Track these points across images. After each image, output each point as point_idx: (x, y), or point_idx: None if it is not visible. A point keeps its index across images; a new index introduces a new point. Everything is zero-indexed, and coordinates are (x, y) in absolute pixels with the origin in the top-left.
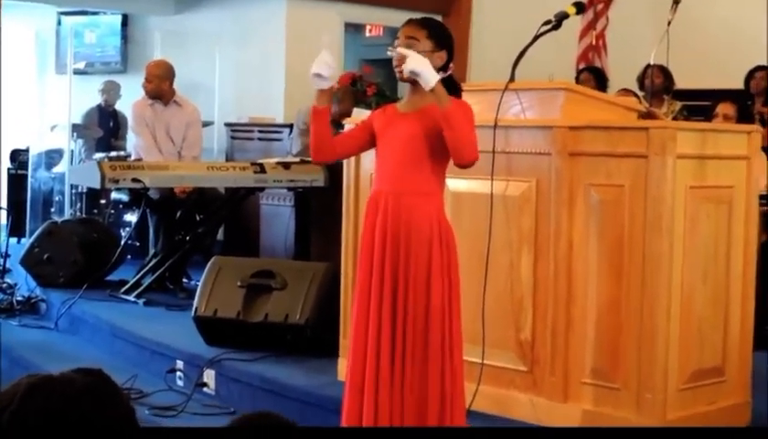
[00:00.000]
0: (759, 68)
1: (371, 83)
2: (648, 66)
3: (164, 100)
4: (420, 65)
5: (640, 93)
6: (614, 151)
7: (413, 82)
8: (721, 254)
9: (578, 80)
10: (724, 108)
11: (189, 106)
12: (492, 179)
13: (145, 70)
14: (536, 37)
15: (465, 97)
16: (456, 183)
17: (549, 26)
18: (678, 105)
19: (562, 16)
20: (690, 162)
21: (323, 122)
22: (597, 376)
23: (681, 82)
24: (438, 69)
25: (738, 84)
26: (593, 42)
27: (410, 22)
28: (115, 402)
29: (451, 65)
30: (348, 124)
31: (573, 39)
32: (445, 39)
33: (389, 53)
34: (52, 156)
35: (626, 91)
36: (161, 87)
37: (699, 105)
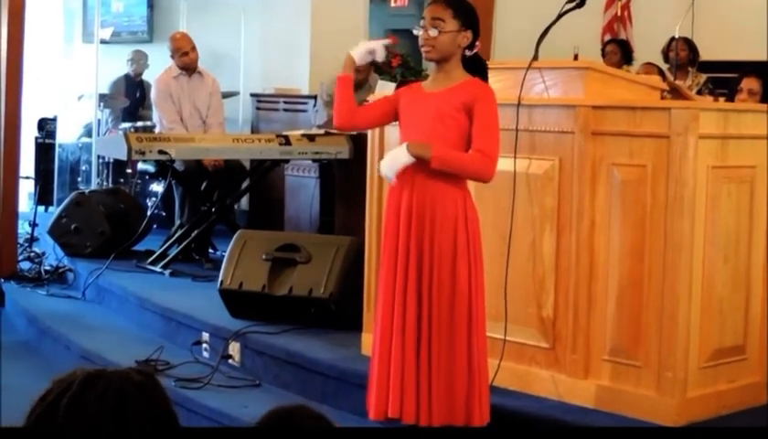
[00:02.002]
0: None
1: (396, 54)
2: (673, 38)
3: (193, 70)
4: (387, 170)
5: (665, 66)
6: (637, 131)
7: (438, 62)
8: (743, 234)
9: (603, 53)
10: (749, 83)
11: (209, 76)
12: (515, 157)
13: (179, 42)
14: (560, 16)
15: (489, 75)
16: None
17: (572, 5)
18: (703, 78)
19: None
20: (712, 142)
21: (347, 88)
22: (618, 354)
23: (706, 54)
24: (464, 48)
25: (765, 56)
26: (618, 13)
27: (435, 1)
28: (164, 404)
29: (477, 44)
30: (372, 99)
31: (599, 9)
32: (471, 18)
33: (415, 32)
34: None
35: (650, 66)
36: (196, 56)
37: (725, 77)
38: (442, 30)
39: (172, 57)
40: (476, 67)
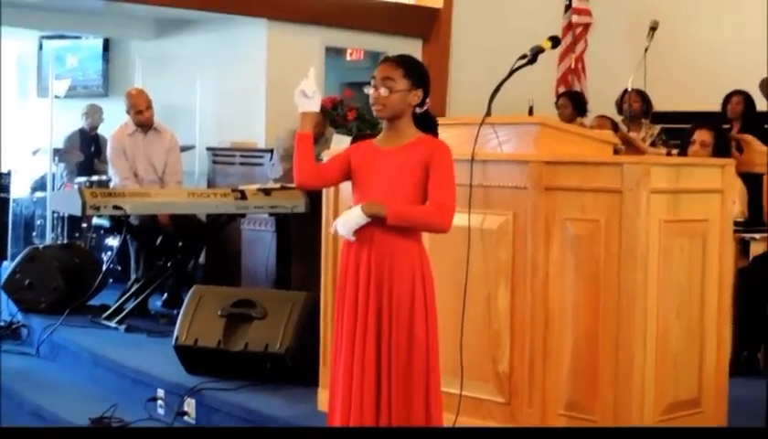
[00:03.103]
0: (735, 92)
1: (352, 107)
2: (626, 90)
3: (148, 127)
4: (344, 231)
5: (618, 117)
6: (589, 186)
7: (390, 119)
8: (696, 287)
9: (557, 105)
10: (701, 134)
11: (167, 132)
12: (470, 212)
13: (135, 100)
14: (511, 72)
15: (442, 131)
16: None
17: (524, 61)
18: (657, 129)
19: (538, 51)
20: (664, 196)
21: (307, 147)
22: (574, 408)
23: (660, 105)
24: (414, 106)
25: (717, 106)
26: (572, 65)
27: (385, 61)
28: None
29: (427, 101)
30: (326, 156)
31: (553, 62)
32: (421, 77)
33: (366, 91)
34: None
35: (603, 118)
36: (151, 115)
37: (678, 128)
38: (392, 89)
39: (128, 112)
40: (426, 123)
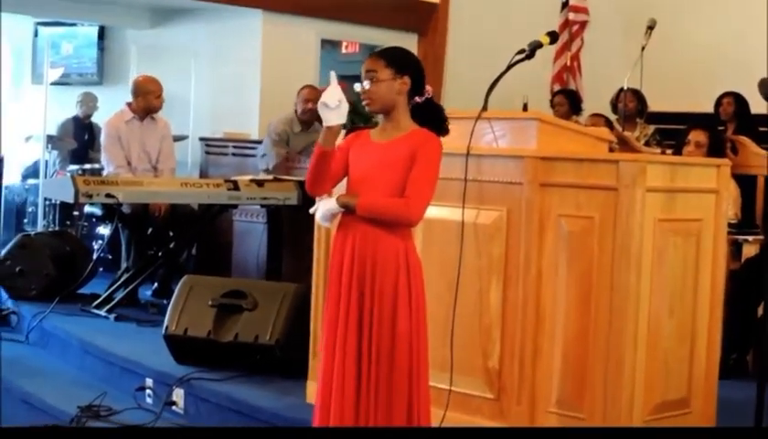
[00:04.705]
0: (726, 94)
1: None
2: (621, 89)
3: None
4: (321, 219)
5: (613, 116)
6: (585, 182)
7: (386, 113)
8: (688, 287)
9: (552, 103)
10: (696, 135)
11: (162, 120)
12: (463, 207)
13: (152, 85)
14: (509, 67)
15: None
16: (428, 210)
17: (522, 56)
18: (651, 129)
19: (536, 46)
20: (660, 195)
21: (326, 163)
22: (563, 406)
23: (655, 105)
24: (409, 96)
25: (711, 108)
26: (568, 63)
27: (369, 56)
28: None
29: (428, 88)
30: None
31: (549, 59)
32: (406, 64)
33: (356, 88)
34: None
35: (598, 117)
36: (161, 104)
37: (672, 129)
38: (375, 80)
39: (135, 96)
40: (430, 112)
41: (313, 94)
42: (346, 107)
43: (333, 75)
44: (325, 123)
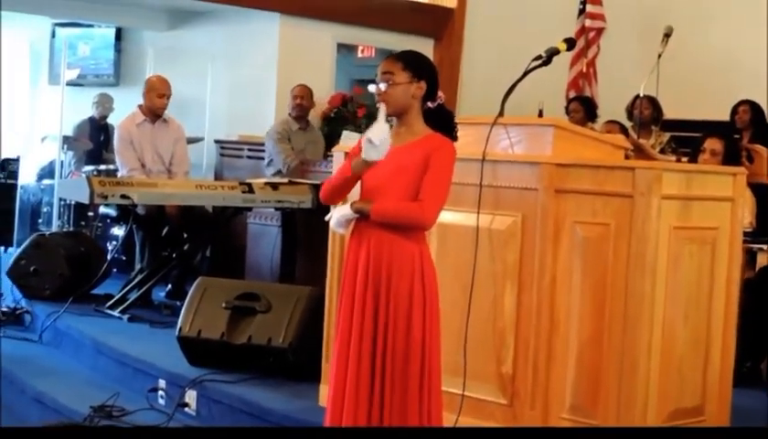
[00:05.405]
0: (742, 102)
1: (362, 104)
2: (637, 96)
3: (158, 116)
4: (335, 225)
5: (628, 123)
6: (601, 189)
7: (398, 115)
8: (703, 294)
9: (567, 110)
10: (712, 143)
11: (175, 122)
12: (478, 212)
13: (158, 84)
14: (526, 73)
15: None
16: (443, 215)
17: (539, 62)
18: (667, 136)
19: (553, 52)
20: (675, 203)
21: (351, 186)
22: (576, 412)
23: (670, 113)
24: (422, 100)
25: (727, 116)
26: (584, 70)
27: (386, 58)
28: None
29: (440, 94)
30: (336, 151)
31: (564, 65)
32: (423, 69)
33: (370, 89)
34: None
35: (613, 124)
36: (166, 104)
37: (688, 137)
38: (392, 83)
39: (144, 96)
40: (441, 119)
41: (302, 91)
42: (388, 145)
43: (382, 109)
44: (364, 156)
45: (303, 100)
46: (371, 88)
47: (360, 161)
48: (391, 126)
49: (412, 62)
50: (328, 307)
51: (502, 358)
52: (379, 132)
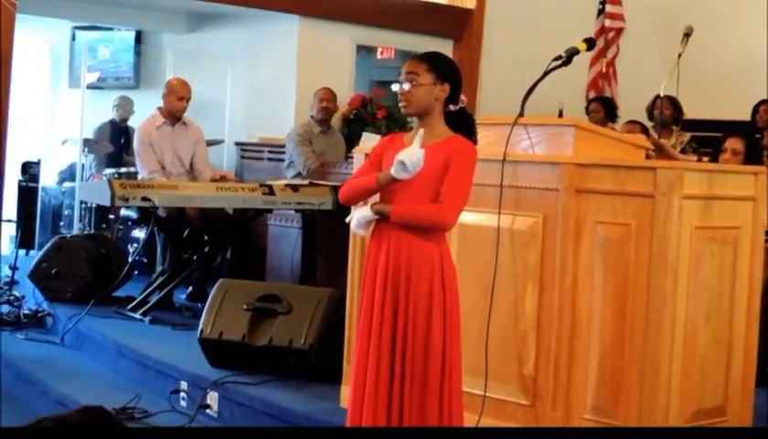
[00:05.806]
0: (762, 101)
1: (381, 106)
2: (657, 96)
3: (178, 119)
4: (355, 227)
5: (649, 123)
6: (622, 189)
7: (420, 116)
8: (725, 294)
9: (587, 110)
10: (733, 143)
11: (194, 125)
12: (499, 213)
13: (178, 86)
14: (546, 73)
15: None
16: (463, 216)
17: (559, 62)
18: (687, 136)
19: (573, 52)
20: (697, 202)
21: (372, 194)
22: (598, 413)
23: (691, 112)
24: (445, 103)
25: (748, 116)
26: (604, 70)
27: (411, 58)
28: None
29: (462, 98)
30: (357, 153)
31: (584, 65)
32: (447, 71)
33: (393, 88)
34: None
35: (633, 124)
36: (186, 107)
37: (709, 136)
38: (416, 83)
39: (163, 98)
40: (462, 121)
41: (328, 94)
42: (419, 169)
43: (420, 134)
44: (394, 174)
45: (328, 103)
46: (394, 87)
47: (389, 176)
48: (410, 128)
49: (437, 64)
50: (349, 308)
51: (523, 359)
52: (412, 155)
